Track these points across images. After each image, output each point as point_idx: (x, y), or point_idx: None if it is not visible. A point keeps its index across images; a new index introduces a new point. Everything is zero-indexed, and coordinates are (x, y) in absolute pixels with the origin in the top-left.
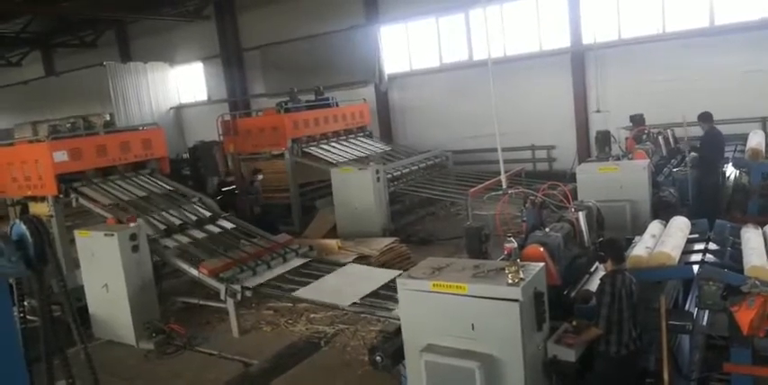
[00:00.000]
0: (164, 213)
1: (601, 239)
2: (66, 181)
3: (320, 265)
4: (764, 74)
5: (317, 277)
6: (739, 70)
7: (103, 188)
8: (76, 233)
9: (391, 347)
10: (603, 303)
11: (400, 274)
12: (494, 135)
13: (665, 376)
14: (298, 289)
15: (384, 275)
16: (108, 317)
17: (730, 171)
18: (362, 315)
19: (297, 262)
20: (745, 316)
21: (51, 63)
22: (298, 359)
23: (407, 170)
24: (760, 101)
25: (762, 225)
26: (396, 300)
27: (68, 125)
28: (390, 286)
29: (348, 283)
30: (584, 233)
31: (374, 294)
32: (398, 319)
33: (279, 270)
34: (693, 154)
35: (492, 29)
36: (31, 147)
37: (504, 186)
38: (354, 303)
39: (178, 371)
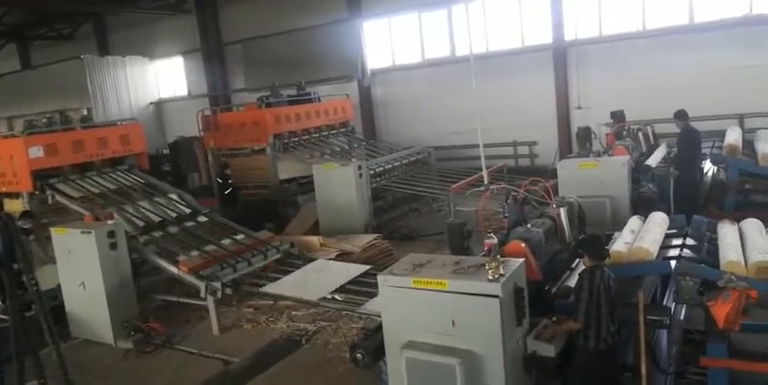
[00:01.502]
0: (142, 210)
1: (582, 236)
2: (42, 177)
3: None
4: (743, 71)
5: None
6: (717, 67)
7: (80, 184)
8: (53, 230)
9: (372, 344)
10: (582, 298)
11: (370, 268)
12: (476, 131)
13: (643, 370)
14: (267, 284)
15: (354, 270)
16: (85, 315)
17: (708, 167)
18: (344, 312)
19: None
20: (720, 310)
21: (27, 56)
22: (278, 357)
23: (390, 166)
24: (738, 97)
25: (738, 220)
26: (366, 294)
27: (44, 120)
28: (360, 281)
29: (317, 278)
30: (566, 229)
31: (344, 289)
32: (378, 315)
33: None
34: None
35: (474, 25)
36: (6, 142)
37: (486, 182)
38: (324, 298)
39: (157, 370)
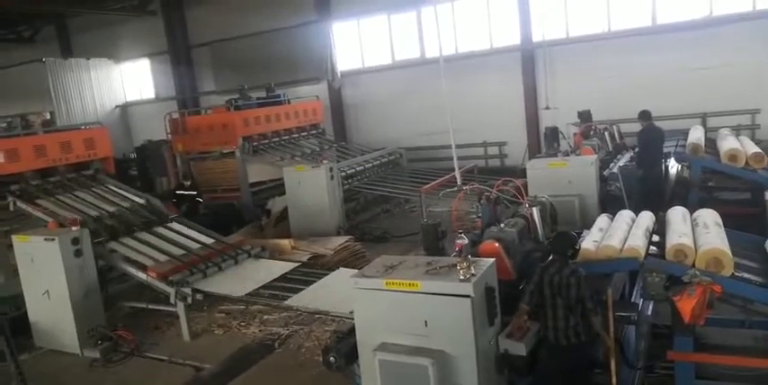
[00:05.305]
0: (109, 215)
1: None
2: (3, 183)
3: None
4: (705, 71)
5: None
6: (680, 68)
7: (43, 190)
8: (14, 238)
9: (345, 347)
10: (531, 282)
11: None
12: (446, 132)
13: (612, 366)
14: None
15: None
16: (50, 325)
17: (673, 165)
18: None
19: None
20: (686, 305)
21: None
22: (251, 361)
23: (361, 168)
24: (700, 97)
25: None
26: None
27: (4, 124)
28: None
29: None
30: (539, 228)
31: None
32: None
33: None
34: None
35: (443, 26)
36: None
37: (459, 183)
38: None
39: (125, 379)
